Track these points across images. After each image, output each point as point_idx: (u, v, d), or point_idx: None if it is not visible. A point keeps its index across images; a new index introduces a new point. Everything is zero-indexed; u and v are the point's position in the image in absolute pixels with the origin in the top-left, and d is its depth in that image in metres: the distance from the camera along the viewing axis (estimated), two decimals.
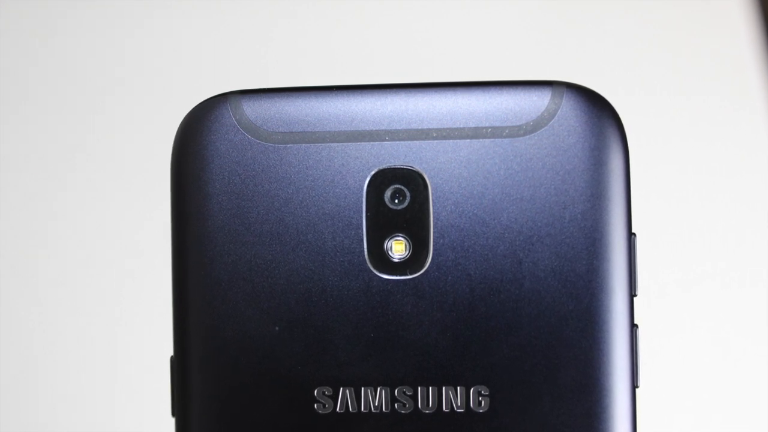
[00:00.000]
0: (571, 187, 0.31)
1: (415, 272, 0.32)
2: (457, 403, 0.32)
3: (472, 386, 0.31)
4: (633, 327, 0.31)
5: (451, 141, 0.32)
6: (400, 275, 0.32)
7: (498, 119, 0.32)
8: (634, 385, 0.32)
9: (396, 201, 0.32)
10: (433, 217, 0.32)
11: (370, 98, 0.32)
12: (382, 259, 0.32)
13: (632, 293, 0.31)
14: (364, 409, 0.32)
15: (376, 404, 0.32)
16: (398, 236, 0.32)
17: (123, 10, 0.59)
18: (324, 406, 0.32)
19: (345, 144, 0.32)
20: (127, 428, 0.56)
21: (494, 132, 0.32)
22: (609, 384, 0.31)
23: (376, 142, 0.32)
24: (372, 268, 0.32)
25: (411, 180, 0.32)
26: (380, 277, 0.32)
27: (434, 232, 0.32)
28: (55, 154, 0.58)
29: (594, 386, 0.31)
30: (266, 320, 0.32)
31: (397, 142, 0.32)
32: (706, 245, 0.56)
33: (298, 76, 0.57)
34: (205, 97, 0.32)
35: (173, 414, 0.33)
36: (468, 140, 0.32)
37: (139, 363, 0.56)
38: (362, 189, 0.32)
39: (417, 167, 0.32)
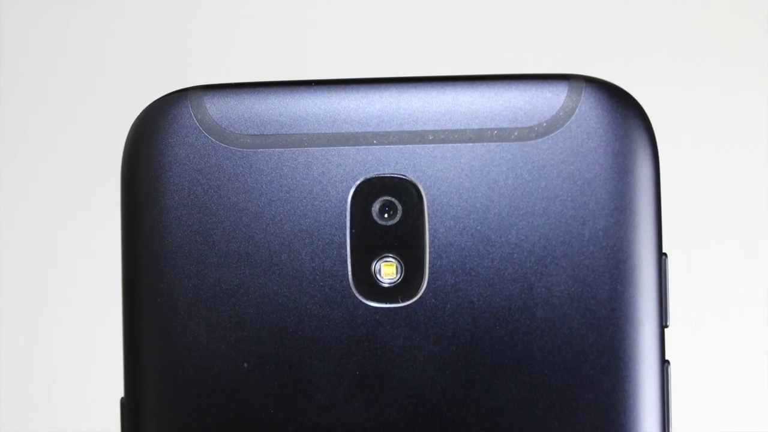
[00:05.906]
0: (592, 199, 0.31)
1: (408, 299, 0.32)
2: None
3: None
4: (664, 363, 0.31)
5: (450, 145, 0.31)
6: (391, 303, 0.32)
7: (505, 120, 0.31)
8: (665, 431, 0.31)
9: (385, 215, 0.32)
10: (429, 234, 0.32)
11: (356, 95, 0.32)
12: (370, 284, 0.32)
13: (663, 324, 0.31)
14: None
15: None
16: (388, 257, 0.32)
17: None
18: None
19: (326, 149, 0.32)
20: None
21: (501, 134, 0.31)
22: (636, 430, 0.31)
23: (363, 147, 0.32)
24: (357, 295, 0.32)
25: (403, 191, 0.32)
26: (367, 305, 0.32)
27: (430, 252, 0.32)
28: None
29: None
30: (233, 355, 0.31)
31: (387, 146, 0.32)
32: (749, 266, 0.56)
33: (267, 69, 0.57)
34: (162, 93, 0.32)
35: None
36: (470, 144, 0.31)
37: (82, 404, 0.56)
38: (346, 201, 0.32)
39: (410, 176, 0.32)
